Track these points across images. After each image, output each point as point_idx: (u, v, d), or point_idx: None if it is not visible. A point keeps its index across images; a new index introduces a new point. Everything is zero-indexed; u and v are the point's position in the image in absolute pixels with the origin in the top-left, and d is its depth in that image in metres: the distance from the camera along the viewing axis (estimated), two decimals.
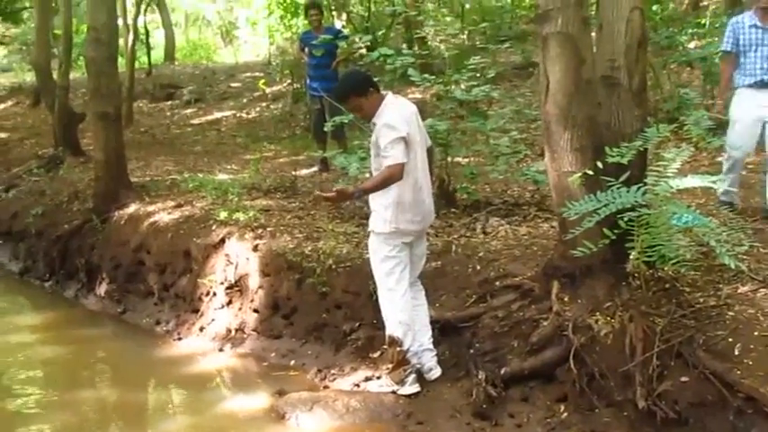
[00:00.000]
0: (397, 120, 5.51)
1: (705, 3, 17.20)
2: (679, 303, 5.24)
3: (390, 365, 5.85)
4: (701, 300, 5.29)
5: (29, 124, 17.33)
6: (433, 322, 5.98)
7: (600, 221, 5.00)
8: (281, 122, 15.64)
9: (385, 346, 5.95)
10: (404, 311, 5.71)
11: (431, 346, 5.91)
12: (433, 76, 8.40)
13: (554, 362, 5.40)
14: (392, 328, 5.73)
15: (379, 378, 6.13)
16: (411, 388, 5.77)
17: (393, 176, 5.44)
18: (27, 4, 20.36)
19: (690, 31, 12.25)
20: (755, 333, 4.84)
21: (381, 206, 5.66)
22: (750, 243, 5.54)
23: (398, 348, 5.73)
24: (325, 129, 9.33)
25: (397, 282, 5.70)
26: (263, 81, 17.42)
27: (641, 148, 5.31)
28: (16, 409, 6.73)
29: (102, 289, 9.35)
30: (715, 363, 4.79)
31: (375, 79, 5.92)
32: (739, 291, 5.34)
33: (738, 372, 4.68)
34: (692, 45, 12.14)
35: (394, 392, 5.81)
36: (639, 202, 4.94)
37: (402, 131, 5.45)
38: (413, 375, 5.78)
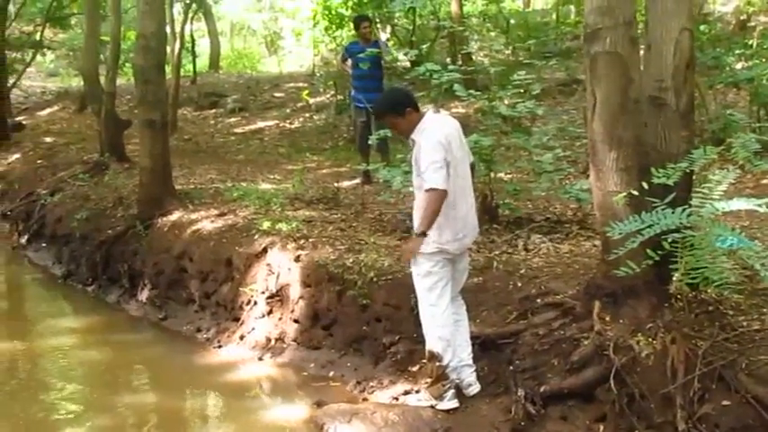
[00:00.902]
0: (437, 141, 5.56)
1: (752, 24, 17.08)
2: (722, 326, 5.24)
3: (429, 380, 5.89)
4: (745, 323, 5.29)
5: (74, 129, 17.58)
6: (473, 338, 6.02)
7: (644, 242, 5.02)
8: (323, 133, 15.75)
9: (424, 361, 5.99)
10: (444, 327, 5.75)
11: (470, 362, 5.94)
12: (478, 92, 8.46)
13: (594, 381, 5.40)
14: (432, 344, 5.77)
15: (417, 392, 6.16)
16: (450, 403, 5.80)
17: (438, 202, 5.51)
18: (75, 10, 20.70)
19: (737, 51, 12.19)
20: None
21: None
22: None
23: (438, 363, 5.77)
24: (370, 141, 9.39)
25: (438, 297, 5.74)
26: (306, 92, 17.56)
27: (687, 170, 5.31)
28: (55, 412, 6.86)
29: (144, 295, 9.48)
30: (757, 387, 4.78)
31: (420, 94, 5.99)
32: None
33: None
34: (738, 66, 12.08)
35: (432, 407, 5.83)
36: (684, 223, 4.95)
37: (443, 155, 5.50)
38: (452, 391, 5.81)
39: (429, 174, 5.49)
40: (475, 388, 5.92)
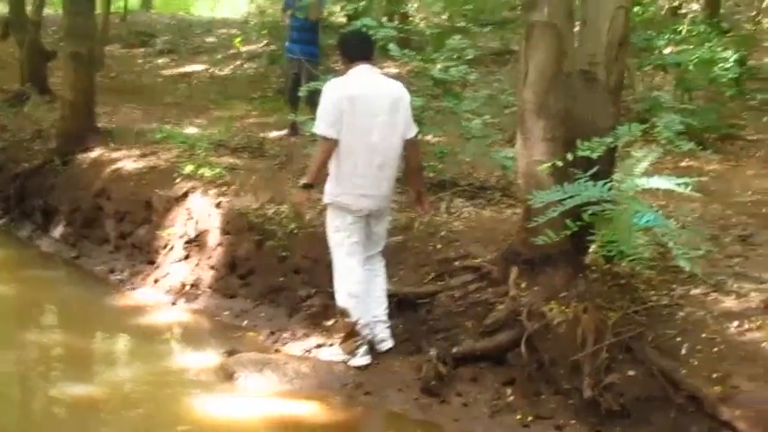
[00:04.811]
0: (332, 88, 5.67)
1: (684, 11, 17.35)
2: (633, 299, 5.35)
3: (342, 335, 5.92)
4: (655, 298, 5.39)
5: None
6: (390, 296, 6.05)
7: (564, 212, 5.10)
8: (253, 83, 15.55)
9: (339, 316, 6.02)
10: (354, 284, 5.78)
11: (384, 318, 5.97)
12: (413, 52, 8.42)
13: (506, 345, 5.49)
14: (341, 300, 5.82)
15: (330, 346, 6.18)
16: (361, 360, 5.82)
17: (323, 150, 5.67)
18: None
19: (667, 36, 12.37)
20: (703, 335, 4.96)
21: (329, 176, 5.79)
22: (706, 248, 5.68)
23: (347, 320, 5.80)
24: (299, 93, 9.30)
25: (347, 254, 5.78)
26: (238, 39, 17.29)
27: (611, 145, 5.39)
28: None
29: (57, 232, 9.31)
30: (662, 360, 4.90)
31: None
32: (691, 293, 5.44)
33: (684, 371, 4.80)
34: (667, 50, 12.26)
35: (345, 362, 5.87)
36: (605, 197, 5.04)
37: (333, 102, 5.59)
38: (364, 347, 5.83)
39: (317, 119, 5.65)
40: (387, 344, 5.95)
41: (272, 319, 6.96)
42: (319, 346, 6.31)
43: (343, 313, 5.82)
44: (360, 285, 5.80)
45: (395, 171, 5.91)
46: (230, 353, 6.30)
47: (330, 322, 6.45)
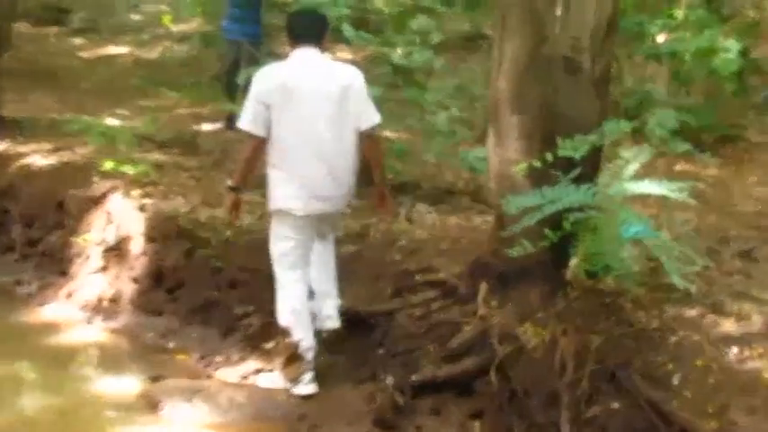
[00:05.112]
0: (259, 77, 5.67)
1: None
2: (619, 321, 5.37)
3: (284, 359, 5.89)
4: (644, 320, 5.42)
5: None
6: (341, 314, 6.05)
7: (542, 220, 5.10)
8: (185, 67, 15.48)
9: (280, 337, 6.00)
10: (297, 299, 5.79)
11: (334, 294, 6.02)
12: (370, 35, 8.43)
13: (473, 372, 5.48)
14: (283, 318, 5.82)
15: (271, 372, 6.17)
16: (306, 388, 5.80)
17: (247, 148, 5.74)
18: None
19: (661, 22, 12.47)
20: (698, 362, 5.00)
21: (270, 181, 5.79)
22: (702, 264, 5.72)
23: (289, 340, 5.79)
24: (238, 80, 9.27)
25: (291, 266, 5.80)
26: (168, 17, 17.21)
27: (597, 144, 5.40)
28: None
29: None
30: (651, 390, 4.92)
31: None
32: (686, 314, 5.48)
33: (675, 402, 4.83)
34: (661, 38, 12.36)
35: (287, 390, 5.85)
36: (589, 203, 5.05)
37: (258, 93, 5.59)
38: (310, 374, 5.81)
39: (242, 112, 5.68)
40: (333, 322, 6.00)
41: (204, 341, 6.92)
42: (258, 371, 6.29)
43: (285, 333, 5.80)
44: (303, 301, 5.80)
45: (353, 166, 5.90)
46: (155, 379, 6.27)
47: (270, 344, 6.44)
